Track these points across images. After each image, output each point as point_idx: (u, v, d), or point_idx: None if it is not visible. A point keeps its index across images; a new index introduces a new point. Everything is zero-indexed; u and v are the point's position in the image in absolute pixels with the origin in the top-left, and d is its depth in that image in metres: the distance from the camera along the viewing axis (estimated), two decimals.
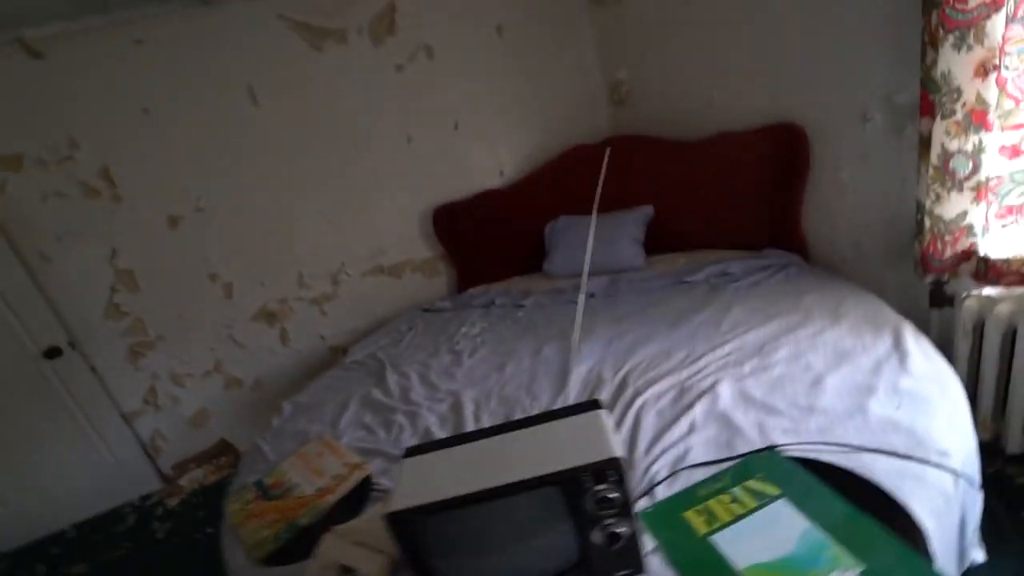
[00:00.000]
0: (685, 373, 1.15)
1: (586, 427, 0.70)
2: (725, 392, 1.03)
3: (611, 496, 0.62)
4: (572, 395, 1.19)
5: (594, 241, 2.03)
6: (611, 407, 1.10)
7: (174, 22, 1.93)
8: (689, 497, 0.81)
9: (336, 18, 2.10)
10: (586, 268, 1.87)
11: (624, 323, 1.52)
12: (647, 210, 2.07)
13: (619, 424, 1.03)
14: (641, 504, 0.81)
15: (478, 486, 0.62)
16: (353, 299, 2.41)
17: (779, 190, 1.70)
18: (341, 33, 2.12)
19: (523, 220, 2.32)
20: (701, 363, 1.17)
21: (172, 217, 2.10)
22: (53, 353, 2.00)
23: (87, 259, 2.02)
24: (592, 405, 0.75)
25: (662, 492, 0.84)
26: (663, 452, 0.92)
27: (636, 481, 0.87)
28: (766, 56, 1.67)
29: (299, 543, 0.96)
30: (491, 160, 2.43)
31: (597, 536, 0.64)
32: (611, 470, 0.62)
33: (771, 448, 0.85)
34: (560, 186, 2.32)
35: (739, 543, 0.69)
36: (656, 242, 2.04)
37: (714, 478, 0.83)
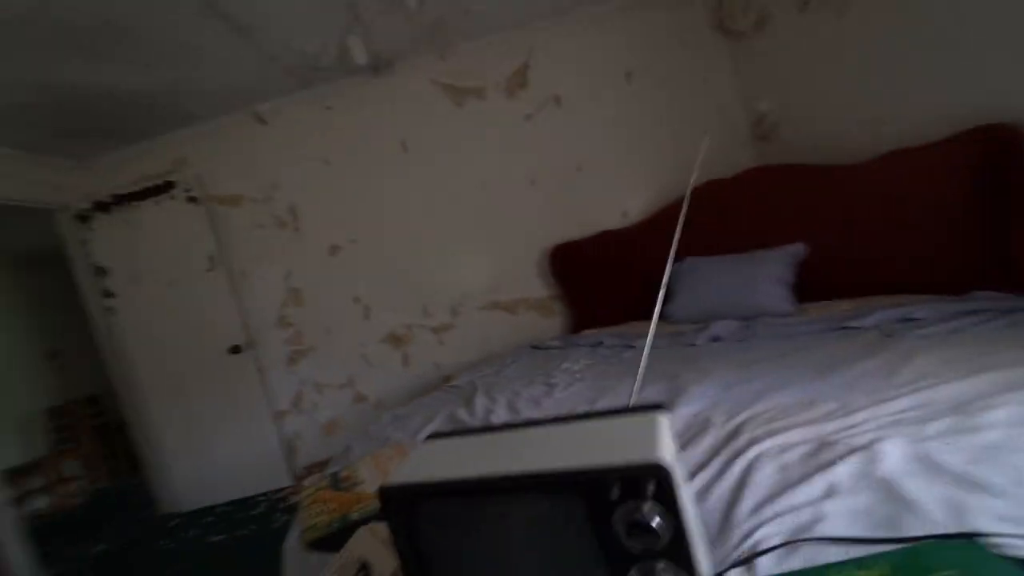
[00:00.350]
0: (831, 427, 0.83)
1: (636, 428, 0.53)
2: (893, 453, 0.71)
3: (649, 521, 0.44)
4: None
5: (729, 282, 1.77)
6: (714, 454, 0.85)
7: (355, 91, 2.40)
8: None
9: (477, 78, 2.37)
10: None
11: (754, 368, 1.22)
12: (796, 248, 1.73)
13: (719, 476, 0.78)
14: None
15: (477, 472, 0.50)
16: (469, 331, 2.48)
17: (982, 213, 1.27)
18: (480, 91, 2.37)
19: (644, 262, 2.14)
20: (857, 417, 0.84)
21: (333, 246, 2.48)
22: (236, 350, 2.45)
23: (270, 277, 2.49)
24: (652, 408, 0.57)
25: (767, 567, 0.58)
26: (778, 515, 0.65)
27: (729, 547, 0.63)
28: (954, 54, 1.33)
29: (346, 535, 0.92)
30: (613, 201, 2.36)
31: None
32: (650, 481, 0.44)
33: (970, 536, 0.54)
34: (687, 227, 2.11)
35: None
36: (810, 286, 1.67)
37: (858, 562, 0.54)
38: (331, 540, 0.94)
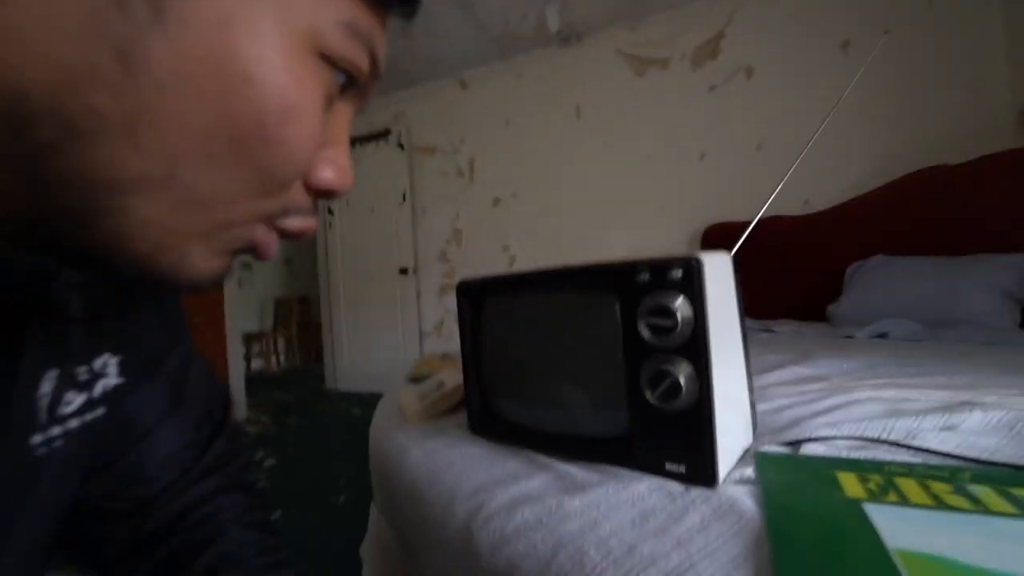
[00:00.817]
0: (978, 391, 0.66)
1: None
2: None
3: (669, 307, 0.44)
4: None
5: (923, 286, 1.44)
6: (814, 390, 0.74)
7: (544, 60, 2.60)
8: (861, 464, 0.46)
9: (664, 48, 2.33)
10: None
11: (917, 359, 0.99)
12: None
13: (808, 401, 0.68)
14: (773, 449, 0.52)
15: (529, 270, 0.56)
16: None
17: None
18: (664, 61, 2.34)
19: (820, 256, 1.86)
20: None
21: (496, 198, 2.75)
22: (404, 272, 2.92)
23: (441, 217, 2.89)
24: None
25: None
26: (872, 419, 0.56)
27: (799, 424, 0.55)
28: None
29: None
30: (794, 186, 2.08)
31: (646, 381, 0.46)
32: (677, 268, 0.44)
33: None
34: (888, 220, 1.75)
35: (917, 525, 0.35)
36: None
37: (937, 467, 0.45)
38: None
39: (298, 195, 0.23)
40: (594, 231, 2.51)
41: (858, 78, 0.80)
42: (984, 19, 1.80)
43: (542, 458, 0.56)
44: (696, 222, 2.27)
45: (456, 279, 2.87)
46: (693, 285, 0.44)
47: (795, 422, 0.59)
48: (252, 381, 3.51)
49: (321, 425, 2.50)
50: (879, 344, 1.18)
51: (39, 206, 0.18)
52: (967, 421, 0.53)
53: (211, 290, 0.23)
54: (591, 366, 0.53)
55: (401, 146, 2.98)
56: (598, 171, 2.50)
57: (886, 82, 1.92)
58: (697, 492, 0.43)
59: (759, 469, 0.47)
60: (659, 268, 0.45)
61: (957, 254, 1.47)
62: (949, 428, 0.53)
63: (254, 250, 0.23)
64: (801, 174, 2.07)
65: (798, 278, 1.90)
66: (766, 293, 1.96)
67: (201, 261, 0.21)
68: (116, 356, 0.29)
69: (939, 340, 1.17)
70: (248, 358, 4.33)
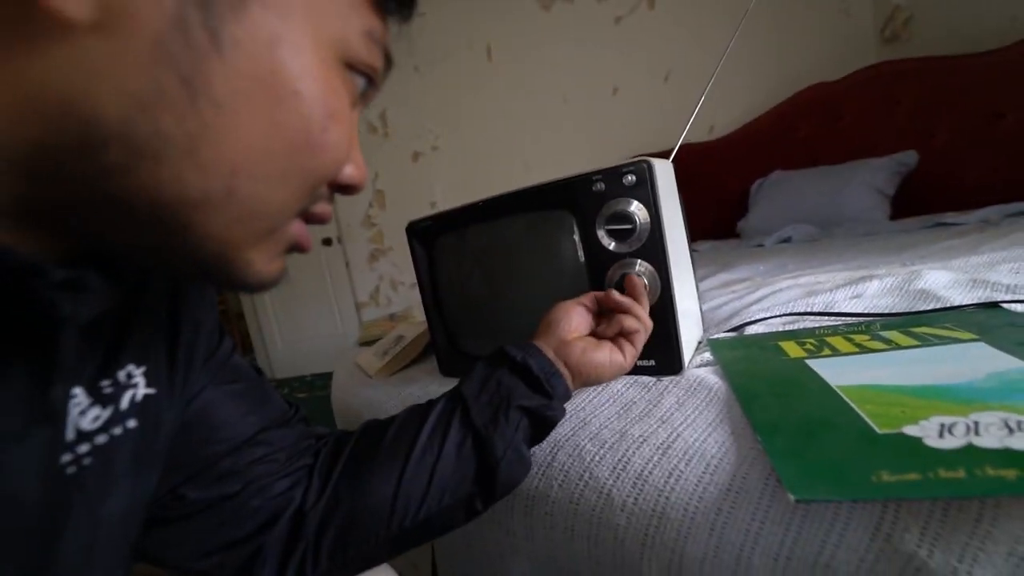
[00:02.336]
0: (870, 269, 0.77)
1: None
2: (940, 277, 0.64)
3: (627, 211, 0.46)
4: None
5: (815, 192, 1.62)
6: (743, 287, 0.82)
7: None
8: (797, 333, 0.54)
9: None
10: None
11: (820, 255, 1.12)
12: (906, 156, 1.52)
13: (739, 296, 0.76)
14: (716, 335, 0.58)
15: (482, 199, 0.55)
16: None
17: None
18: None
19: (726, 178, 2.01)
20: (913, 266, 0.77)
21: (415, 152, 2.63)
22: (327, 243, 2.75)
23: None
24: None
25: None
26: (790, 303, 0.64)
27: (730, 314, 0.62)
28: None
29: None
30: (700, 114, 2.20)
31: (611, 286, 0.49)
32: (629, 174, 0.46)
33: (994, 305, 0.49)
34: (782, 138, 1.93)
35: (850, 368, 0.41)
36: (918, 199, 1.48)
37: (855, 325, 0.53)
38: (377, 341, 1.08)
39: (323, 187, 0.24)
40: (518, 174, 2.50)
41: (748, 12, 0.85)
42: None
43: None
44: (615, 156, 2.32)
45: (386, 244, 2.78)
46: (647, 188, 0.46)
47: (734, 313, 0.66)
48: None
49: None
50: (784, 247, 1.33)
51: (104, 220, 0.19)
52: (868, 289, 0.63)
53: (270, 290, 0.25)
54: (553, 283, 0.54)
55: None
56: (516, 114, 2.46)
57: (770, 10, 2.04)
58: (668, 380, 0.48)
59: (714, 351, 0.52)
60: (612, 175, 0.47)
61: (839, 162, 1.66)
62: (856, 296, 0.62)
63: (299, 246, 0.25)
64: (705, 103, 2.20)
65: (711, 201, 2.05)
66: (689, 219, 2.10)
67: (263, 265, 0.23)
68: (141, 366, 0.28)
69: (832, 237, 1.34)
70: None
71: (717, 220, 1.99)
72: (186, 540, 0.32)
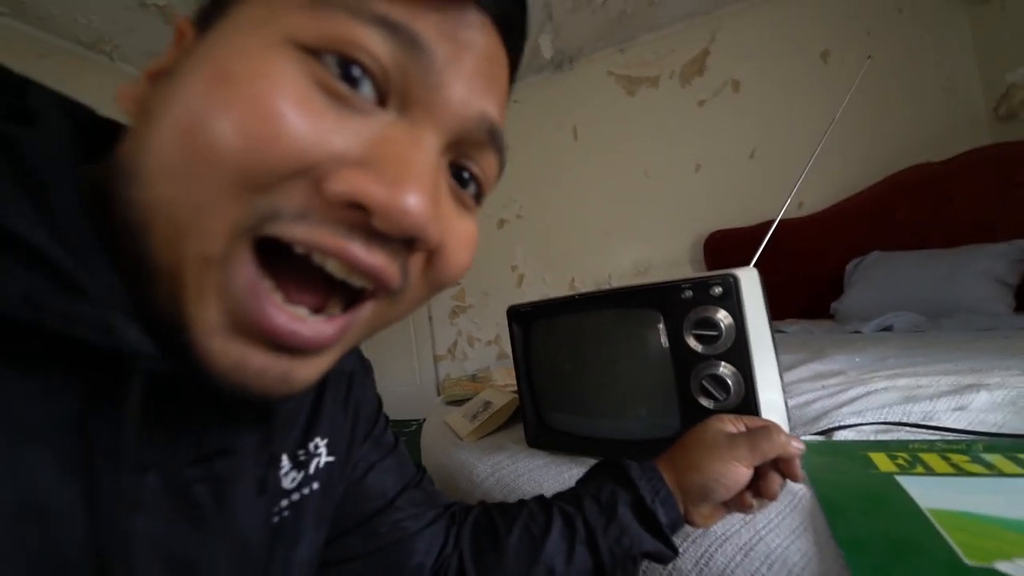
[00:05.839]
0: (981, 375, 0.73)
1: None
2: None
3: (713, 318, 0.51)
4: None
5: (922, 277, 1.52)
6: (833, 385, 0.81)
7: (538, 86, 2.72)
8: (889, 444, 0.53)
9: (654, 67, 2.46)
10: None
11: (928, 349, 1.05)
12: None
13: (830, 395, 0.75)
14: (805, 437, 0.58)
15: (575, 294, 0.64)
16: None
17: None
18: (654, 79, 2.46)
19: (818, 256, 1.95)
20: None
21: (501, 220, 2.84)
22: None
23: None
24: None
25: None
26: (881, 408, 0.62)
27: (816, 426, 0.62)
28: None
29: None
30: (789, 190, 2.18)
31: (696, 385, 0.53)
32: (717, 285, 0.52)
33: None
34: (879, 218, 1.85)
35: (944, 490, 0.42)
36: None
37: (954, 442, 0.52)
38: (464, 402, 1.16)
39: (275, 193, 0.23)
40: (598, 245, 2.60)
41: (849, 97, 0.89)
42: (951, 22, 1.92)
43: None
44: (697, 230, 2.36)
45: (467, 302, 2.96)
46: (733, 298, 0.51)
47: (823, 413, 0.66)
48: None
49: None
50: (885, 337, 1.25)
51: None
52: (975, 401, 0.60)
53: (271, 402, 0.25)
54: (639, 376, 0.60)
55: None
56: (598, 188, 2.59)
57: (868, 88, 2.03)
58: None
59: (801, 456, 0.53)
60: (701, 285, 0.53)
61: (945, 247, 1.55)
62: (960, 408, 0.60)
63: (267, 324, 0.23)
64: (795, 179, 2.18)
65: (801, 278, 1.98)
66: (772, 295, 2.03)
67: (220, 340, 0.20)
68: (325, 439, 0.34)
69: (940, 329, 1.24)
70: None
71: (810, 299, 1.91)
72: None
